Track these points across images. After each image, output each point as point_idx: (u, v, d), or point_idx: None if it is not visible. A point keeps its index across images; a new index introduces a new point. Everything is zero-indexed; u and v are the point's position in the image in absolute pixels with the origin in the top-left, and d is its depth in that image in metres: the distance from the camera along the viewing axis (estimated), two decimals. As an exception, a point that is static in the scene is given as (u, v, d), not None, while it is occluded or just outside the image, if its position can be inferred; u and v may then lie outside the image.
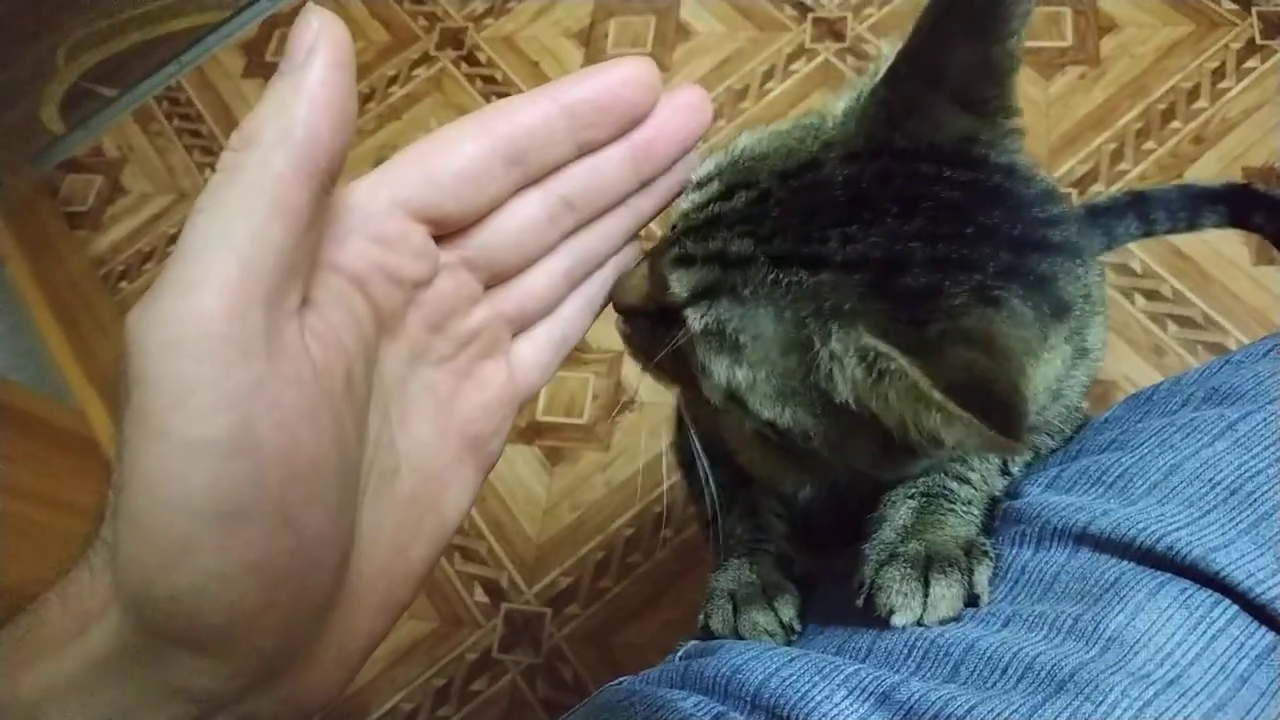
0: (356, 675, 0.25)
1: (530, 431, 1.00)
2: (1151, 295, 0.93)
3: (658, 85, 0.26)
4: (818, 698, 0.29)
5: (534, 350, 0.29)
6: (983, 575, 0.32)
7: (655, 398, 0.99)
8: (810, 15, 1.17)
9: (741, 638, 0.37)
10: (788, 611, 0.38)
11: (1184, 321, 0.91)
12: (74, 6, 1.44)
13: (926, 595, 0.31)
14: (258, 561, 0.19)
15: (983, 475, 0.36)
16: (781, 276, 0.28)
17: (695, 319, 0.30)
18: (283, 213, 0.19)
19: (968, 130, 0.29)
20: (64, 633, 0.20)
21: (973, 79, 0.29)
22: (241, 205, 0.18)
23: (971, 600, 0.31)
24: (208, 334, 0.18)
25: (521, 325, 0.29)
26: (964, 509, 0.34)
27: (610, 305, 0.31)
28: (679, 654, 0.38)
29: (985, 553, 0.33)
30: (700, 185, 0.30)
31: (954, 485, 0.35)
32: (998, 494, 0.37)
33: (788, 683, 0.30)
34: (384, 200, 0.23)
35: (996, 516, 0.36)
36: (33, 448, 0.93)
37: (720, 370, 0.30)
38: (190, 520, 0.18)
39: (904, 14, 1.14)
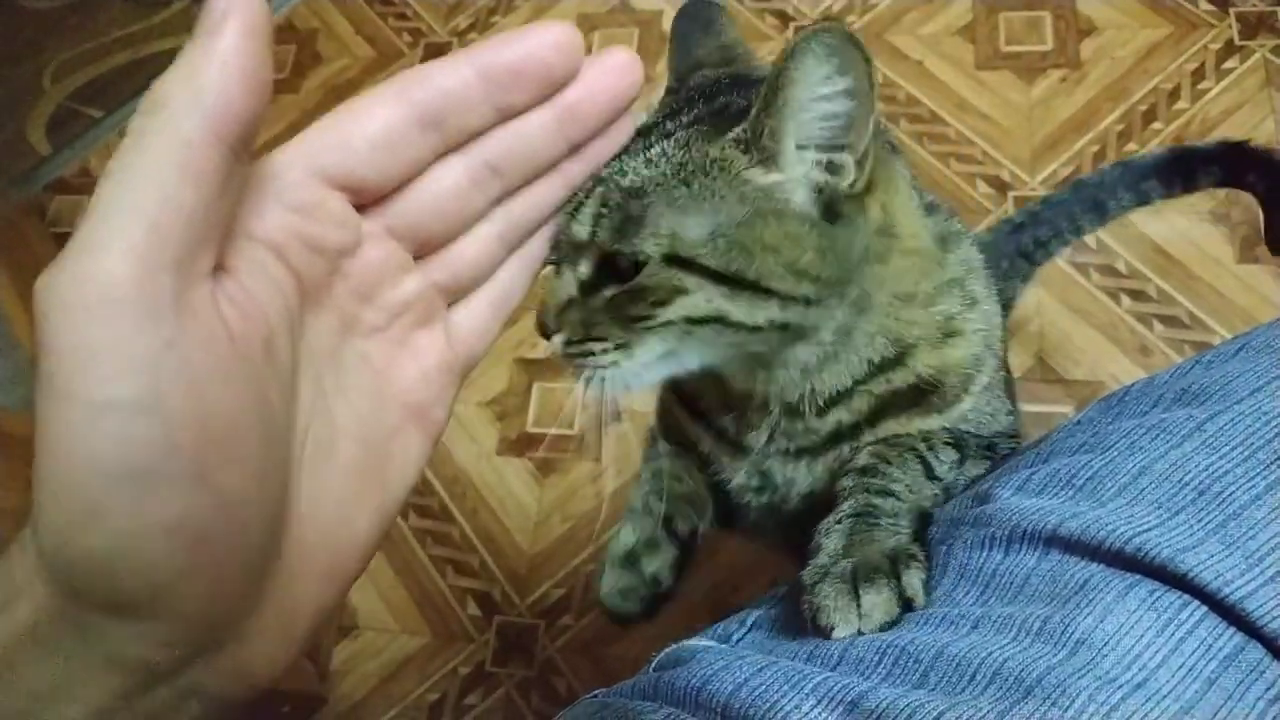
0: (304, 648, 0.24)
1: (520, 443, 1.00)
2: (1137, 295, 0.93)
3: (578, 49, 0.25)
4: (787, 707, 0.29)
5: (471, 317, 0.29)
6: (913, 579, 0.34)
7: (646, 408, 0.99)
8: (792, 24, 1.18)
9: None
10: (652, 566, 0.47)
11: (1170, 321, 0.92)
12: (59, 29, 1.44)
13: (859, 606, 0.33)
14: (174, 522, 0.18)
15: (908, 485, 0.38)
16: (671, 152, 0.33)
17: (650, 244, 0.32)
18: (192, 177, 0.19)
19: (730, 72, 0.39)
20: None
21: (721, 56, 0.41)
22: (150, 169, 0.18)
23: (906, 604, 0.33)
24: (112, 298, 0.18)
25: (457, 293, 0.29)
26: (889, 522, 0.37)
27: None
28: (652, 665, 0.38)
29: (914, 557, 0.34)
30: None
31: (878, 501, 0.38)
32: (927, 504, 0.39)
33: (757, 693, 0.30)
34: (300, 169, 0.23)
35: (939, 523, 0.37)
36: (20, 471, 0.93)
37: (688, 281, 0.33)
38: (100, 481, 0.18)
39: (884, 22, 1.15)
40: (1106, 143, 1.01)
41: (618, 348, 0.34)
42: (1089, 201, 0.67)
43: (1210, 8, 1.05)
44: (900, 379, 0.39)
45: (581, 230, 0.32)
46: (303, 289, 0.24)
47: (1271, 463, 0.30)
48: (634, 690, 0.35)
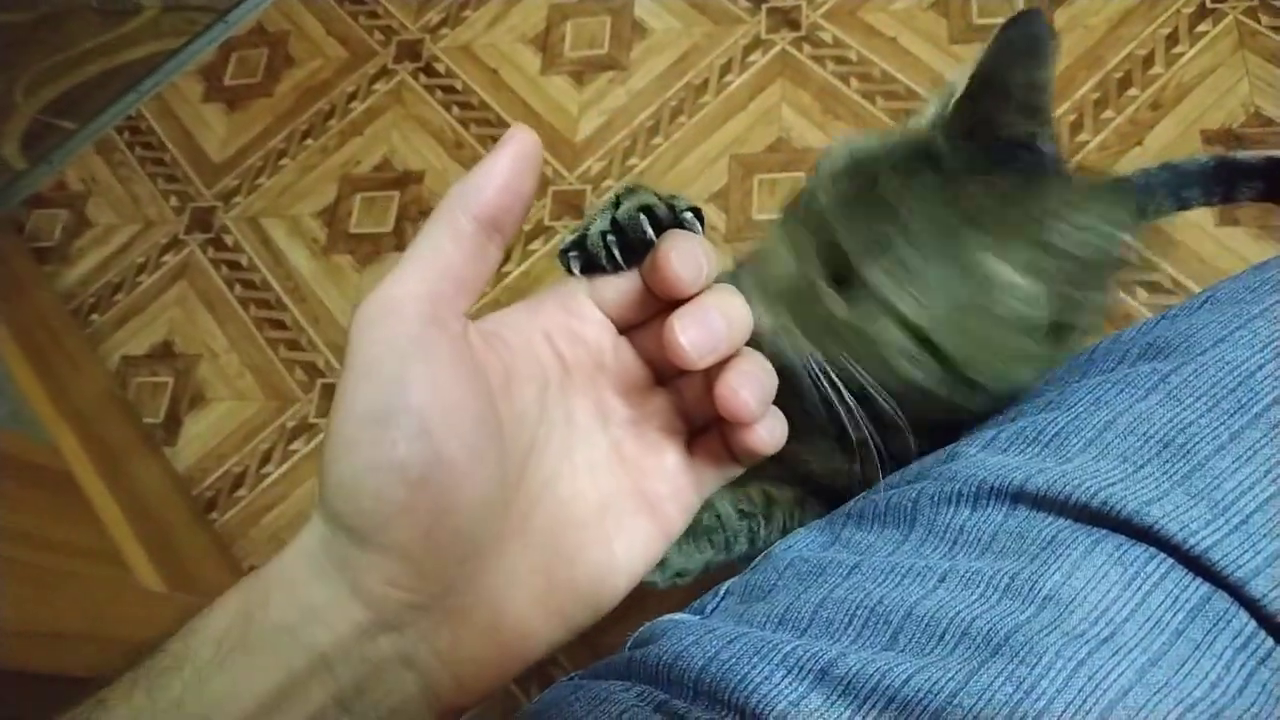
0: (506, 679, 0.27)
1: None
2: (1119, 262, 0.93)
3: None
4: (757, 679, 0.28)
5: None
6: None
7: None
8: (764, 6, 1.17)
9: None
10: None
11: (1153, 287, 0.91)
12: (30, 41, 1.43)
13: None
14: (399, 461, 0.24)
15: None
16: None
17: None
18: (454, 240, 0.26)
19: (1028, 129, 0.42)
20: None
21: (1028, 94, 0.42)
22: (431, 234, 0.26)
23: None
24: (398, 308, 0.25)
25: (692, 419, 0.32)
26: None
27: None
28: (628, 643, 0.38)
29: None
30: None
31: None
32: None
33: (727, 666, 0.29)
34: (571, 283, 0.30)
35: (905, 478, 0.38)
36: (6, 485, 0.92)
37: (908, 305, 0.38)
38: (353, 422, 0.24)
39: (857, 1, 1.14)
40: (1083, 111, 1.01)
41: None
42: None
43: (1182, -29, 1.05)
44: None
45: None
46: (567, 367, 0.30)
47: (1235, 412, 0.30)
48: (608, 670, 0.34)
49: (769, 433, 0.29)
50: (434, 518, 0.24)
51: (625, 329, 0.31)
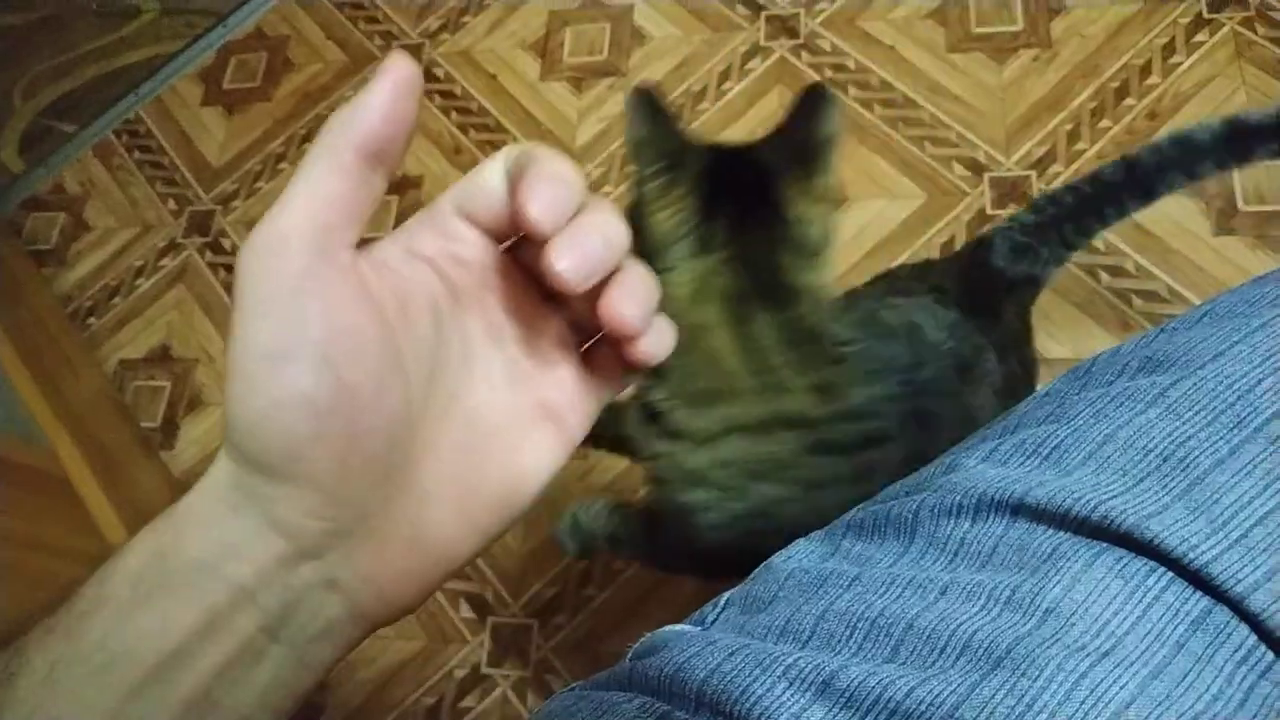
0: (427, 591, 0.28)
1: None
2: (1115, 271, 0.93)
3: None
4: (759, 691, 0.29)
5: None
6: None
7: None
8: (763, 14, 1.18)
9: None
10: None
11: (1149, 296, 0.92)
12: (29, 44, 1.43)
13: None
14: (304, 394, 0.24)
15: None
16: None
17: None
18: (337, 172, 0.26)
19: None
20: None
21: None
22: (311, 167, 0.26)
23: None
24: (285, 239, 0.25)
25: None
26: None
27: None
28: (629, 655, 0.38)
29: None
30: None
31: None
32: None
33: (729, 678, 0.29)
34: (448, 205, 0.29)
35: (903, 488, 0.38)
36: (4, 490, 0.92)
37: None
38: (253, 359, 0.24)
39: (855, 9, 1.15)
40: (1080, 120, 1.01)
41: None
42: (1139, 185, 0.65)
43: (1179, -18, 1.06)
44: None
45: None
46: (454, 289, 0.29)
47: (1234, 426, 0.30)
48: (610, 681, 0.34)
49: (653, 345, 0.29)
50: (345, 445, 0.25)
51: (506, 242, 0.30)
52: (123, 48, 1.40)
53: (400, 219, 1.18)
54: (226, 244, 1.25)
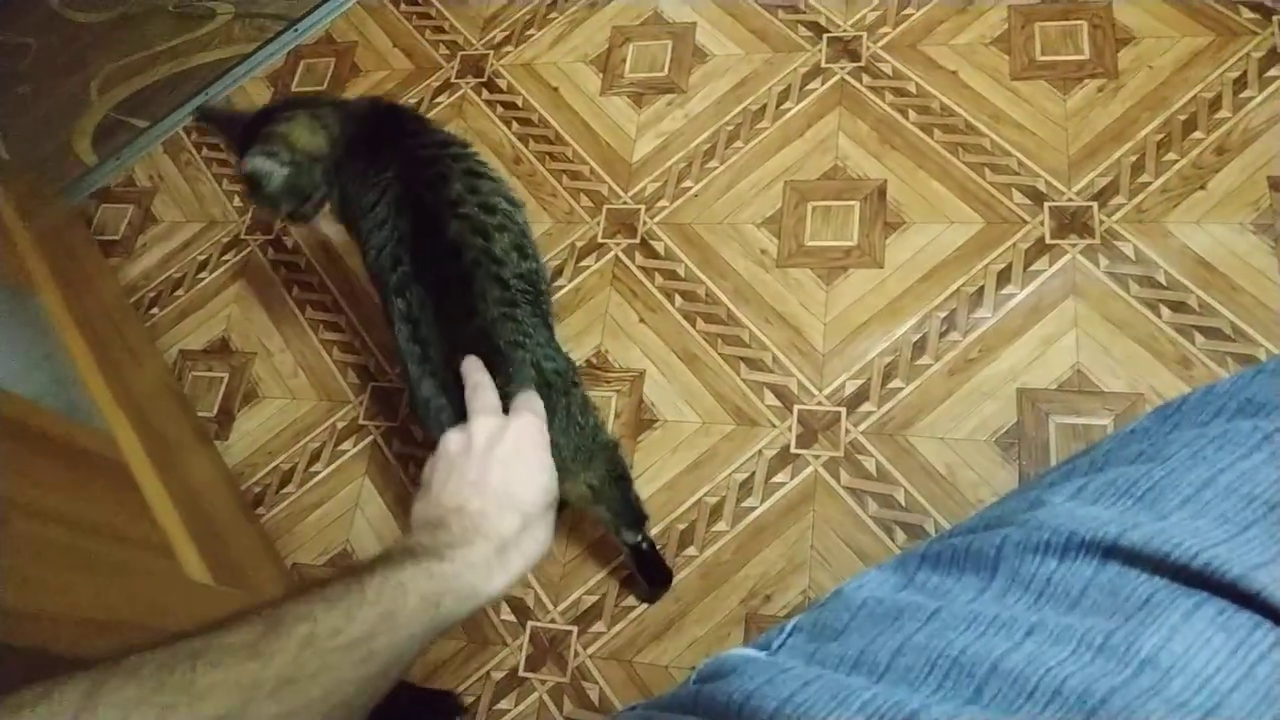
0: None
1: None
2: (1178, 307, 0.92)
3: None
4: None
5: None
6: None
7: (677, 417, 1.00)
8: (825, 35, 1.18)
9: None
10: None
11: (1212, 333, 0.90)
12: (107, 41, 1.48)
13: None
14: None
15: None
16: None
17: None
18: None
19: None
20: None
21: None
22: None
23: None
24: None
25: None
26: None
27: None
28: (693, 677, 0.38)
29: None
30: None
31: None
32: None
33: (803, 710, 0.29)
34: None
35: (986, 523, 0.37)
36: (64, 473, 0.95)
37: None
38: None
39: (917, 32, 1.15)
40: (1145, 152, 1.00)
41: None
42: None
43: (1253, 16, 1.04)
44: None
45: None
46: None
47: None
48: (674, 703, 0.34)
49: None
50: None
51: None
52: (196, 48, 1.45)
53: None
54: (288, 242, 1.28)
